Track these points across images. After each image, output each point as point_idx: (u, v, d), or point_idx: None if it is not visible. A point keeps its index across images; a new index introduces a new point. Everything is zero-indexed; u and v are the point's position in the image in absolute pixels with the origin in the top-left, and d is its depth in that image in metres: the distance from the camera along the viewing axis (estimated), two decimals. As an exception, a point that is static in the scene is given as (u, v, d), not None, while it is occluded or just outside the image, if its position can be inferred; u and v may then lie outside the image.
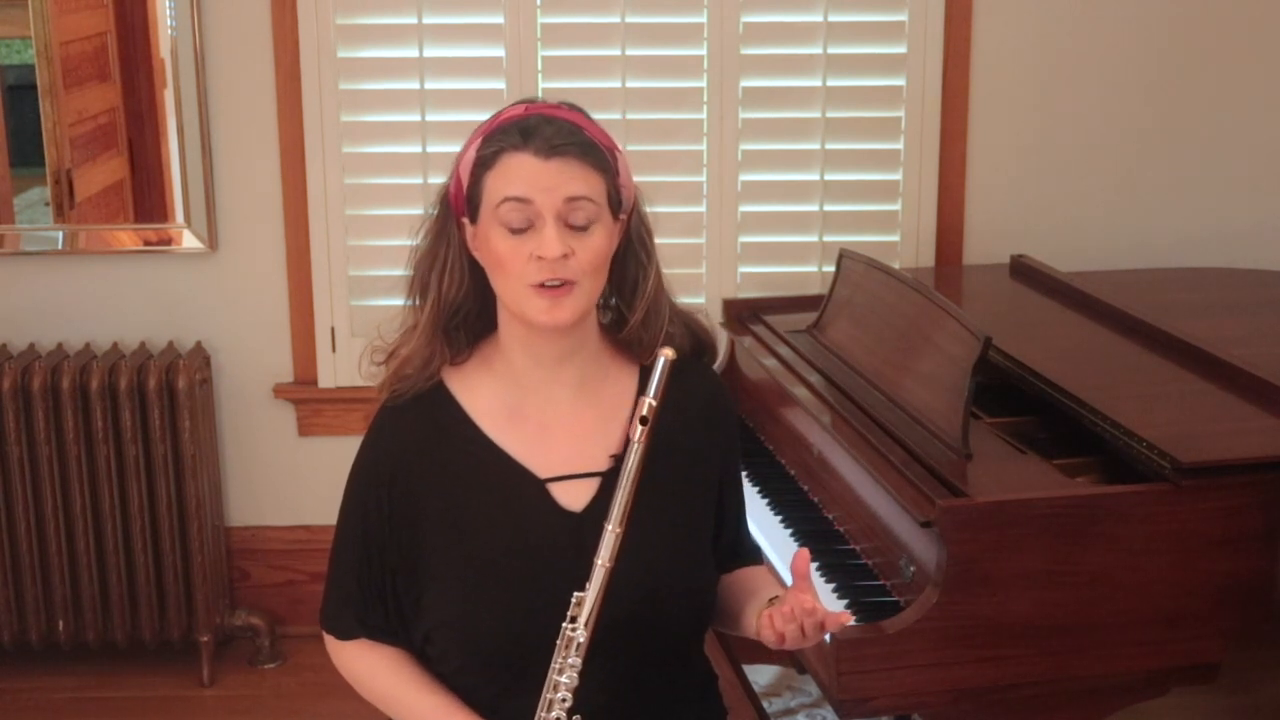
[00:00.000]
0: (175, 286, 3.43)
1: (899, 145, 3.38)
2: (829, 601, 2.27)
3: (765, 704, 3.13)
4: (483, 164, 1.71)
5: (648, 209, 1.82)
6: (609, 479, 1.73)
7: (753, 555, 1.95)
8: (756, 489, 2.67)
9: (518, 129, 1.70)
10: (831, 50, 3.32)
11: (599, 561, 1.65)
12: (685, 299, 1.90)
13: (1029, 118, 3.41)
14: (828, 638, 2.12)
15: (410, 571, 1.76)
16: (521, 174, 1.67)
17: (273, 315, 3.45)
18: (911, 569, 2.19)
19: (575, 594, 1.65)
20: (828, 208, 3.39)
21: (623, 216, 1.75)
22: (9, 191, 3.38)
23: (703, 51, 3.32)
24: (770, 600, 1.73)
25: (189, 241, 3.38)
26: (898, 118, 3.36)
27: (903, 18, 3.32)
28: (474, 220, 1.72)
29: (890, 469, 2.30)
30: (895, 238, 3.42)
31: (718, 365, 2.40)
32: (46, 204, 3.37)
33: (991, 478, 2.21)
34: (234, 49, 3.32)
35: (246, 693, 3.40)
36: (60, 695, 3.37)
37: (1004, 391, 2.56)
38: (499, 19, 3.29)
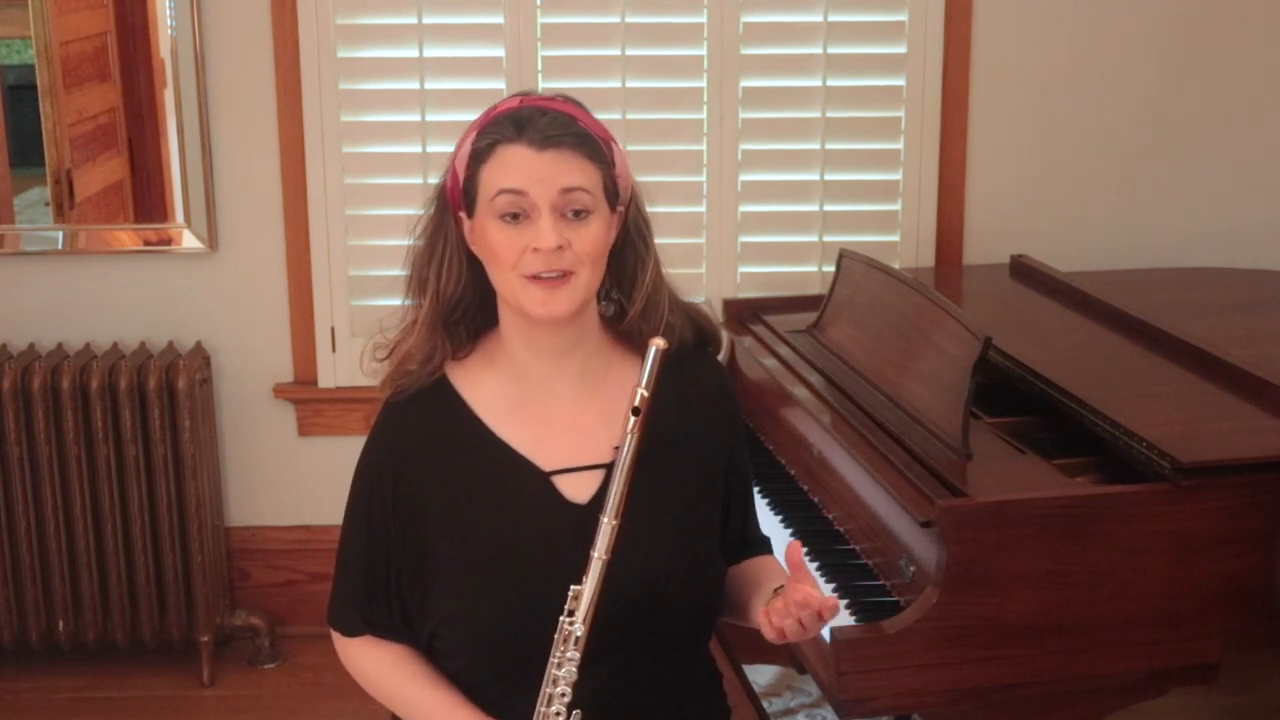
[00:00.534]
0: (175, 286, 3.43)
1: (899, 145, 3.38)
2: (829, 601, 2.28)
3: (765, 704, 3.13)
4: (477, 157, 1.71)
5: (648, 209, 1.82)
6: (613, 471, 1.73)
7: (761, 546, 1.94)
8: (757, 489, 2.66)
9: (511, 121, 1.70)
10: (831, 50, 3.32)
11: (595, 554, 1.64)
12: (685, 299, 1.89)
13: (1029, 118, 3.41)
14: (827, 634, 2.13)
15: (416, 567, 1.76)
16: (516, 166, 1.68)
17: (273, 315, 3.45)
18: (911, 569, 2.19)
19: (573, 587, 1.65)
20: (828, 208, 3.39)
21: (620, 208, 1.75)
22: (9, 191, 3.38)
23: (703, 51, 3.32)
24: (775, 591, 1.73)
25: (189, 241, 3.38)
26: (898, 118, 3.37)
27: (903, 18, 3.32)
28: (470, 214, 1.73)
29: (890, 469, 2.30)
30: (895, 238, 3.42)
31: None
32: (46, 204, 3.37)
33: (991, 478, 2.21)
34: (234, 49, 3.32)
35: (246, 693, 3.40)
36: (60, 695, 3.37)
37: (1004, 391, 2.56)
38: (499, 19, 3.29)
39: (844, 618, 2.22)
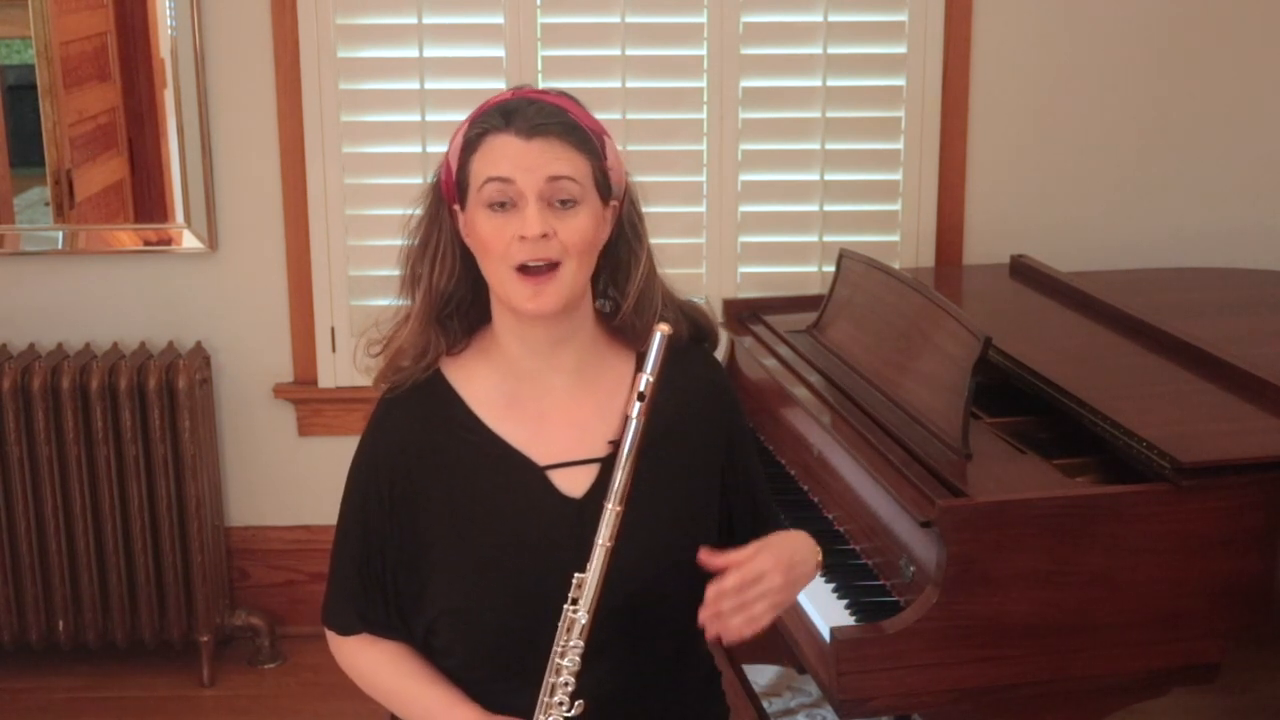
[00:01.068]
0: (175, 286, 3.43)
1: (899, 145, 3.38)
2: (829, 601, 2.28)
3: (765, 704, 3.13)
4: (468, 148, 1.72)
5: (647, 209, 1.82)
6: (608, 465, 1.73)
7: (776, 526, 1.90)
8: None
9: (500, 111, 1.71)
10: (831, 50, 3.32)
11: (599, 541, 1.64)
12: (681, 296, 1.89)
13: (1029, 118, 3.41)
14: (827, 634, 2.13)
15: (412, 563, 1.76)
16: (503, 154, 1.68)
17: (273, 315, 3.46)
18: (911, 569, 2.19)
19: (576, 575, 1.65)
20: (828, 208, 3.39)
21: (614, 202, 1.75)
22: (9, 191, 3.38)
23: (703, 51, 3.32)
24: None
25: (189, 241, 3.38)
26: (898, 118, 3.37)
27: (903, 18, 3.32)
28: (463, 205, 1.73)
29: (890, 469, 2.30)
30: (895, 238, 3.42)
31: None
32: (46, 204, 3.37)
33: (991, 478, 2.21)
34: (234, 49, 3.32)
35: (246, 693, 3.40)
36: (60, 695, 3.37)
37: (1004, 391, 2.56)
38: (499, 19, 3.29)
39: (844, 618, 2.22)
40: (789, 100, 3.35)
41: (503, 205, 1.68)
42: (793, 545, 1.78)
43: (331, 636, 1.86)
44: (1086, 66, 3.40)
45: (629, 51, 3.31)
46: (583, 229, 1.69)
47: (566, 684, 1.65)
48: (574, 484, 1.75)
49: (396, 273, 1.83)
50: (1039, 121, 3.42)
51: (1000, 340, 2.47)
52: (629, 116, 3.32)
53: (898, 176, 3.40)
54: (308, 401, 3.48)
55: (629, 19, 3.30)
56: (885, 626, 2.10)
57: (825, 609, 2.25)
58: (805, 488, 2.66)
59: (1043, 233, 3.41)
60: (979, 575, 2.09)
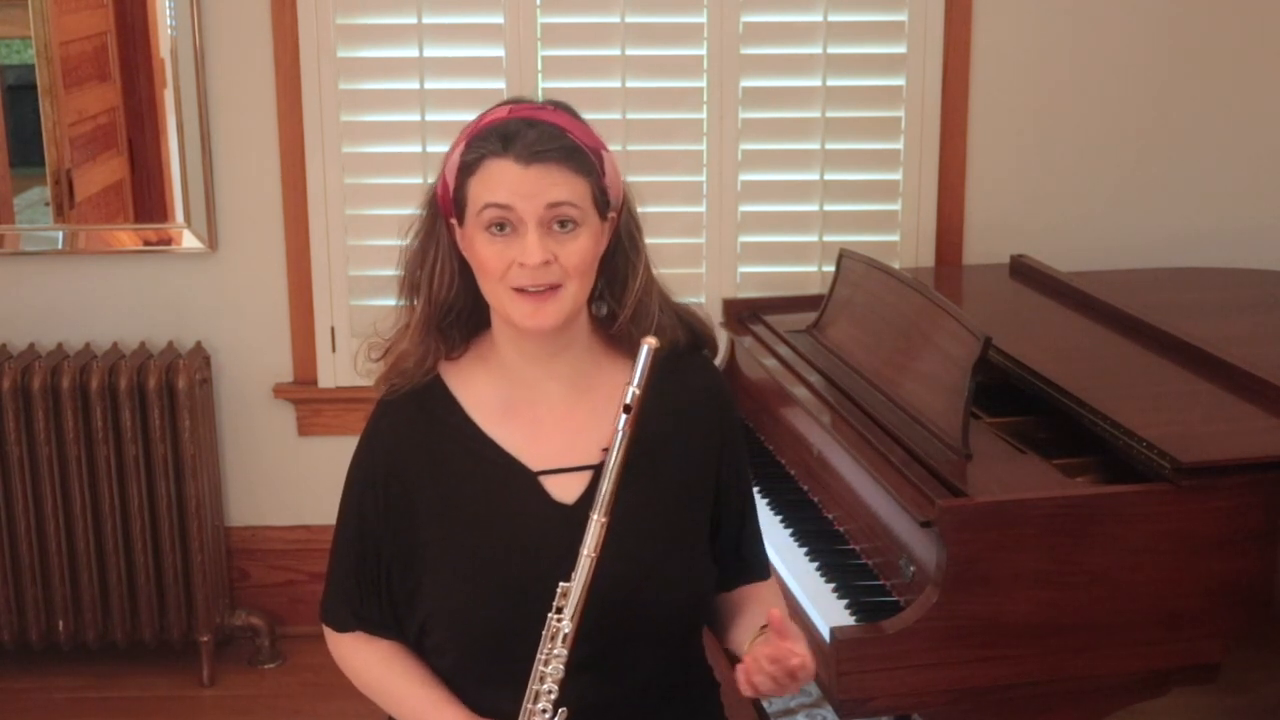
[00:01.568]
0: (175, 286, 3.43)
1: (899, 145, 3.38)
2: (829, 602, 2.28)
3: (765, 704, 3.13)
4: (466, 169, 1.71)
5: (647, 209, 1.82)
6: (600, 472, 1.73)
7: (756, 571, 1.91)
8: (757, 489, 2.67)
9: (498, 135, 1.69)
10: (831, 50, 3.32)
11: (584, 551, 1.65)
12: (685, 299, 1.89)
13: (1029, 118, 3.41)
14: (827, 634, 2.13)
15: (406, 564, 1.77)
16: (502, 181, 1.67)
17: (273, 315, 3.45)
18: (911, 569, 2.19)
19: (561, 584, 1.65)
20: (828, 208, 3.39)
21: (611, 215, 1.75)
22: (9, 191, 3.38)
23: (703, 51, 3.32)
24: (761, 629, 1.73)
25: (189, 241, 3.38)
26: (898, 118, 3.36)
27: (903, 18, 3.32)
28: (461, 222, 1.73)
29: (890, 469, 2.30)
30: (895, 238, 3.42)
31: (718, 364, 2.39)
32: (46, 204, 3.37)
33: (991, 478, 2.21)
34: (234, 49, 3.32)
35: (246, 693, 3.40)
36: (60, 695, 3.37)
37: (1004, 391, 2.56)
38: (499, 19, 3.29)
39: (844, 617, 2.22)
40: (789, 100, 3.35)
41: (501, 228, 1.68)
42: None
43: (328, 632, 1.87)
44: (1086, 66, 3.40)
45: (629, 51, 3.31)
46: (582, 251, 1.69)
47: (550, 692, 1.66)
48: (566, 490, 1.76)
49: (396, 273, 1.83)
50: (1039, 121, 3.42)
51: (1000, 340, 2.47)
52: (629, 116, 3.32)
53: (898, 176, 3.40)
54: (308, 401, 3.48)
55: (629, 19, 3.30)
56: (885, 626, 2.10)
57: (825, 609, 2.25)
58: (805, 488, 2.66)
59: (1043, 233, 3.41)
60: (979, 575, 2.09)
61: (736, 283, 3.41)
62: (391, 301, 1.84)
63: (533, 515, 1.75)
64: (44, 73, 3.28)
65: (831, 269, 2.97)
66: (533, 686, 1.67)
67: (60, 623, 3.36)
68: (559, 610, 1.65)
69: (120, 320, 3.42)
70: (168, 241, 3.39)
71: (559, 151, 1.68)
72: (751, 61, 3.33)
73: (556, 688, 1.66)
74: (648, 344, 1.66)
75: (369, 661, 1.83)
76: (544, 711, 1.66)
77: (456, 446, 1.77)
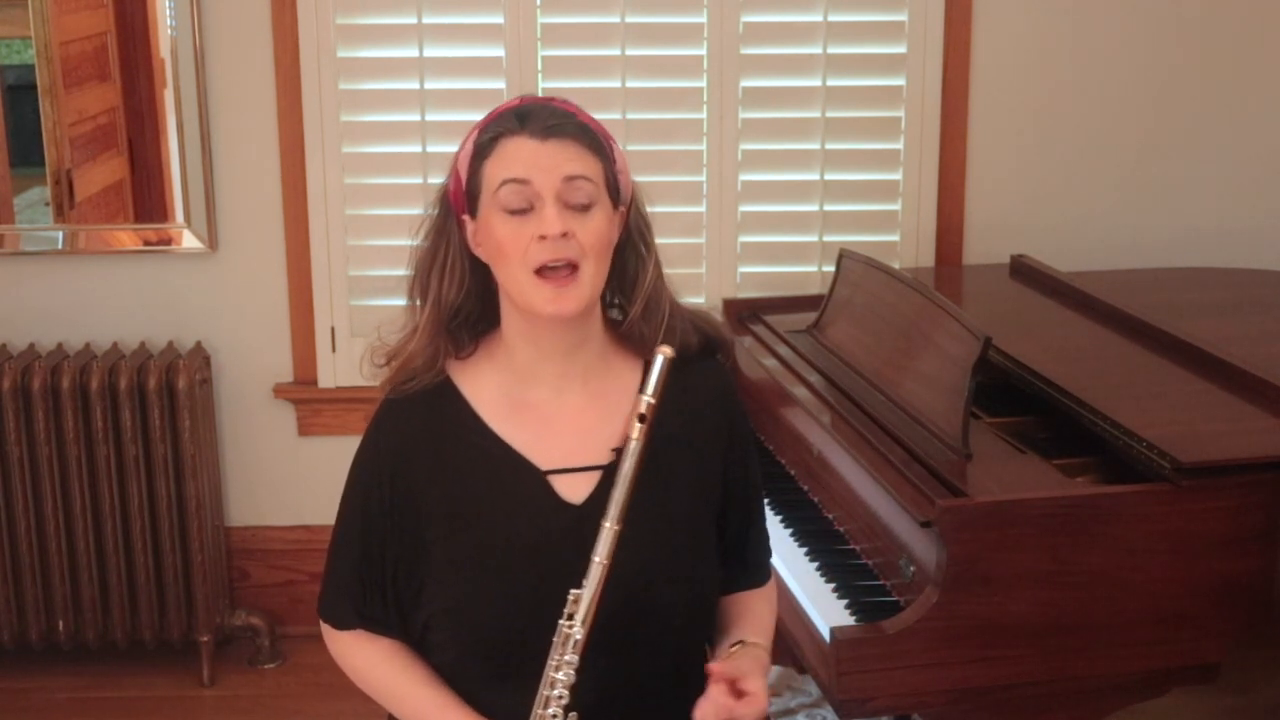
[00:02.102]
0: (175, 286, 3.43)
1: (899, 145, 3.38)
2: (829, 602, 2.28)
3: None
4: (480, 153, 1.71)
5: (648, 209, 1.82)
6: (610, 472, 1.73)
7: (755, 575, 1.91)
8: (756, 489, 2.68)
9: (513, 114, 1.72)
10: (831, 50, 3.32)
11: (596, 559, 1.65)
12: (685, 299, 1.89)
13: (1029, 118, 3.41)
14: (826, 634, 2.13)
15: (411, 562, 1.76)
16: (519, 156, 1.68)
17: (273, 315, 3.46)
18: (911, 569, 2.19)
19: (572, 591, 1.65)
20: (828, 208, 3.39)
21: (622, 208, 1.75)
22: (9, 191, 3.38)
23: (703, 51, 3.32)
24: (733, 646, 1.78)
25: (189, 241, 3.38)
26: (898, 118, 3.37)
27: (903, 18, 3.32)
28: (474, 214, 1.73)
29: (890, 469, 2.30)
30: (895, 238, 3.42)
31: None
32: (46, 204, 3.37)
33: (991, 478, 2.21)
34: (234, 49, 3.32)
35: (246, 693, 3.40)
36: (60, 695, 3.37)
37: (1004, 391, 2.56)
38: (499, 19, 3.29)
39: (844, 617, 2.22)
40: (789, 100, 3.35)
41: (520, 210, 1.68)
42: (765, 657, 1.82)
43: (327, 630, 1.86)
44: (1086, 66, 3.40)
45: (629, 51, 3.31)
46: (599, 229, 1.70)
47: (560, 697, 1.66)
48: (575, 490, 1.75)
49: (397, 273, 1.82)
50: (1039, 121, 3.42)
51: (1000, 340, 2.47)
52: (629, 116, 3.32)
53: (898, 176, 3.40)
54: (308, 401, 3.48)
55: (629, 19, 3.30)
56: (885, 626, 2.10)
57: (825, 609, 2.25)
58: (805, 488, 2.66)
59: (1043, 233, 3.41)
60: (979, 575, 2.09)
61: (736, 283, 3.41)
62: (392, 301, 1.84)
63: (541, 514, 1.74)
64: (44, 73, 3.28)
65: (831, 269, 2.97)
66: (543, 692, 1.67)
67: (60, 623, 3.36)
68: (570, 617, 1.65)
69: (120, 320, 3.42)
70: (168, 241, 3.40)
71: (575, 127, 1.70)
72: (751, 61, 3.33)
73: (566, 692, 1.66)
74: (663, 353, 1.67)
75: (371, 660, 1.82)
76: (554, 716, 1.66)
77: (465, 444, 1.76)
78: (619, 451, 1.73)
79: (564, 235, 1.66)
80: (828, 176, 3.38)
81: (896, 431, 2.41)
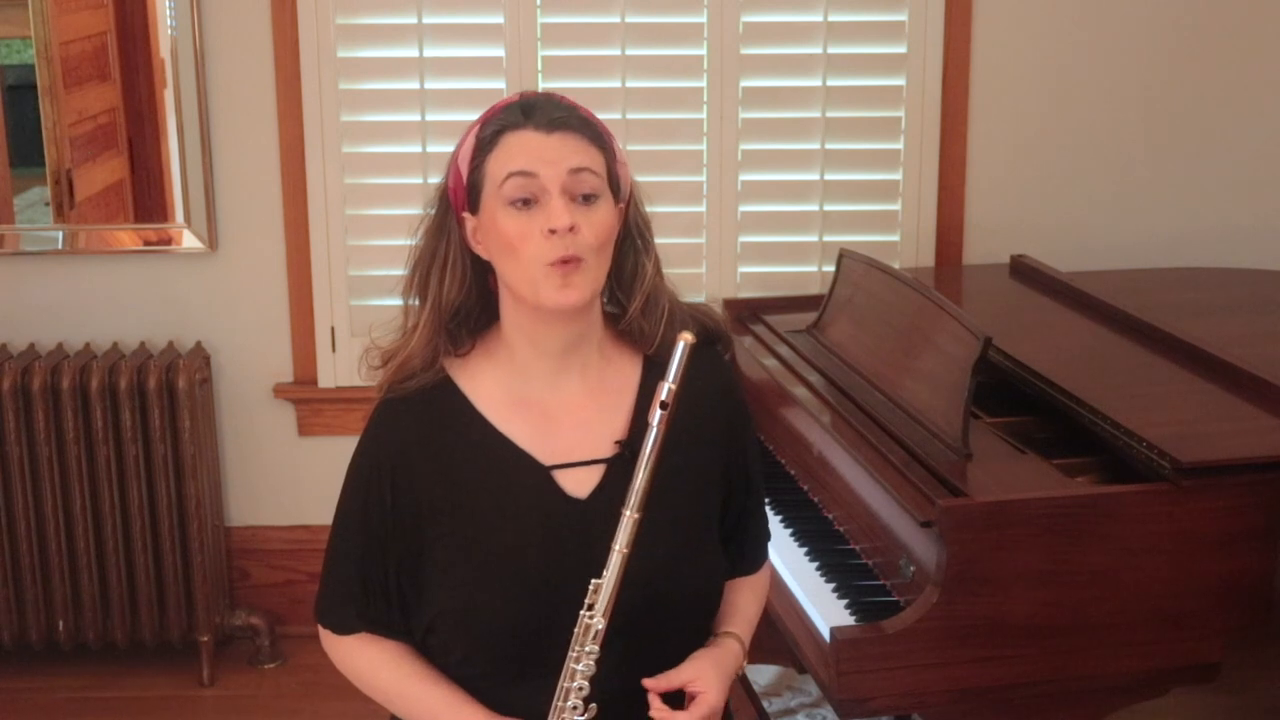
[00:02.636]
0: (175, 286, 3.43)
1: (899, 145, 3.38)
2: (829, 601, 2.28)
3: (765, 704, 3.13)
4: (483, 148, 1.71)
5: (648, 209, 1.82)
6: (613, 466, 1.74)
7: (745, 563, 1.92)
8: (756, 489, 2.68)
9: (517, 108, 1.72)
10: (831, 50, 3.32)
11: (616, 547, 1.65)
12: (685, 299, 1.89)
13: (1029, 117, 3.41)
14: (826, 633, 2.13)
15: (414, 562, 1.76)
16: (524, 149, 1.68)
17: (273, 315, 3.46)
18: (911, 569, 2.19)
19: (593, 581, 1.65)
20: (828, 208, 3.39)
21: (622, 203, 1.76)
22: (9, 191, 3.38)
23: (703, 51, 3.32)
24: (710, 640, 1.80)
25: (189, 241, 3.38)
26: (898, 118, 3.37)
27: (903, 18, 3.32)
28: (475, 210, 1.72)
29: (890, 469, 2.30)
30: (895, 237, 3.42)
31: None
32: (46, 204, 3.37)
33: (991, 478, 2.21)
34: (234, 49, 3.32)
35: (246, 693, 3.40)
36: (60, 695, 3.37)
37: (1004, 391, 2.56)
38: (499, 19, 3.29)
39: (844, 617, 2.22)
40: (789, 100, 3.35)
41: (525, 203, 1.68)
42: (730, 658, 1.82)
43: (326, 635, 1.85)
44: (1086, 66, 3.40)
45: (629, 51, 3.31)
46: (604, 222, 1.70)
47: (581, 688, 1.66)
48: (579, 484, 1.75)
49: (397, 273, 1.82)
50: (1039, 121, 3.42)
51: (1000, 340, 2.47)
52: (629, 116, 3.32)
53: (898, 176, 3.40)
54: (308, 401, 3.48)
55: (629, 19, 3.30)
56: (885, 626, 2.10)
57: (825, 609, 2.25)
58: (805, 488, 2.66)
59: (1043, 233, 3.41)
60: (979, 575, 2.09)
61: (736, 283, 3.41)
62: (392, 301, 1.84)
63: (546, 510, 1.74)
64: (44, 73, 3.28)
65: (831, 269, 2.97)
66: (563, 684, 1.67)
67: (60, 623, 3.36)
68: (590, 607, 1.65)
69: (120, 320, 3.42)
70: (168, 241, 3.40)
71: (578, 120, 1.71)
72: (751, 61, 3.33)
73: (587, 684, 1.66)
74: (684, 340, 1.67)
75: (376, 664, 1.81)
76: (575, 708, 1.66)
77: (466, 443, 1.76)
78: (622, 443, 1.73)
79: (571, 229, 1.66)
80: (828, 176, 3.38)
81: (896, 431, 2.41)
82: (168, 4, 3.25)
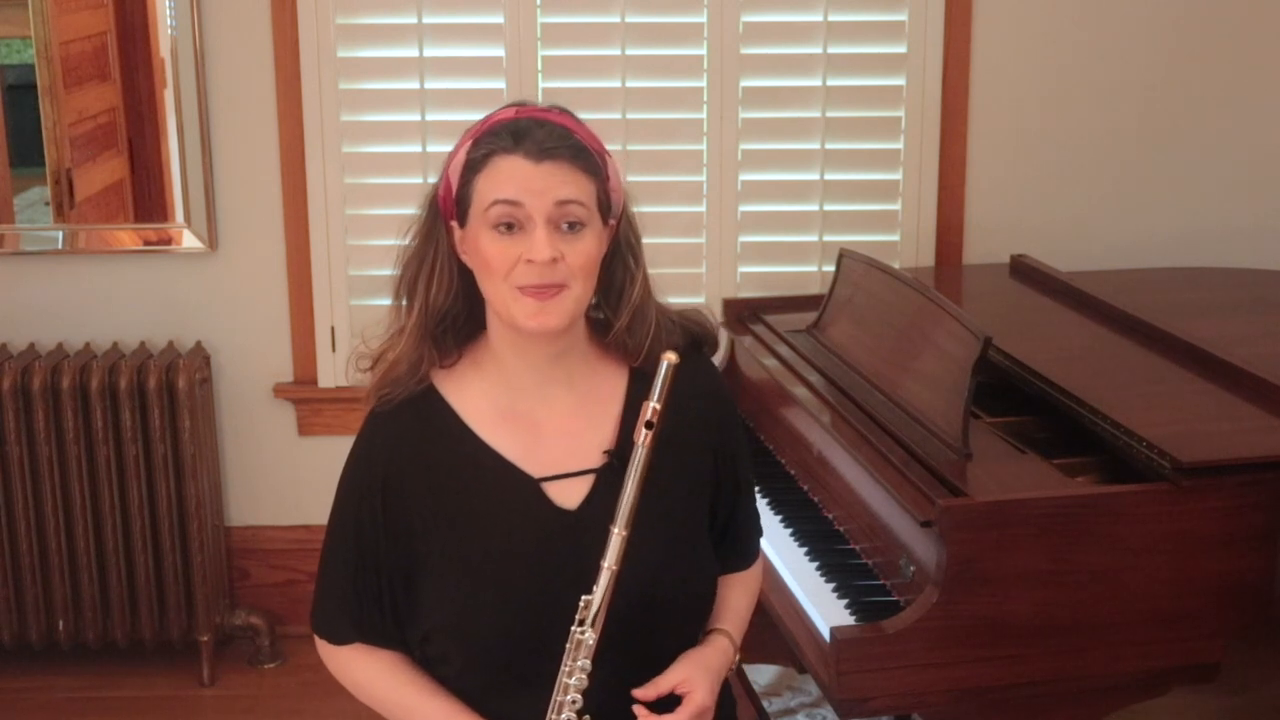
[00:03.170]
0: (175, 286, 3.43)
1: (899, 145, 3.38)
2: (829, 601, 2.28)
3: (765, 704, 3.13)
4: (472, 167, 1.70)
5: (647, 209, 1.82)
6: (602, 476, 1.74)
7: (735, 560, 1.92)
8: (757, 489, 2.67)
9: (509, 131, 1.69)
10: (831, 50, 3.32)
11: (605, 564, 1.65)
12: (685, 299, 1.89)
13: (1029, 117, 3.41)
14: (826, 633, 2.13)
15: (406, 575, 1.76)
16: (512, 177, 1.67)
17: (273, 315, 3.45)
18: (911, 569, 2.19)
19: (584, 598, 1.66)
20: (828, 207, 3.39)
21: (612, 221, 1.75)
22: (9, 191, 3.38)
23: (703, 51, 3.32)
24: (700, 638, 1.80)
25: (189, 241, 3.38)
26: (898, 117, 3.37)
27: (903, 18, 3.32)
28: (463, 224, 1.72)
29: (890, 469, 2.30)
30: (895, 237, 3.42)
31: (718, 364, 2.39)
32: (46, 204, 3.37)
33: (991, 478, 2.21)
34: (234, 49, 3.32)
35: (246, 693, 3.40)
36: (60, 695, 3.37)
37: (1004, 391, 2.56)
38: (499, 19, 3.29)
39: (844, 617, 2.22)
40: (789, 100, 3.35)
41: (509, 227, 1.67)
42: (719, 656, 1.82)
43: (323, 645, 1.85)
44: (1086, 67, 3.40)
45: (629, 51, 3.31)
46: (588, 252, 1.69)
47: (574, 702, 1.67)
48: (568, 495, 1.75)
49: (393, 274, 1.82)
50: (1039, 121, 3.42)
51: (1000, 340, 2.47)
52: (629, 116, 3.32)
53: (898, 176, 3.40)
54: (308, 401, 3.48)
55: (629, 19, 3.30)
56: (885, 626, 2.10)
57: (825, 609, 2.25)
58: (805, 488, 2.66)
59: (1043, 233, 3.41)
60: (979, 575, 2.09)
61: (736, 283, 3.41)
62: (391, 302, 1.83)
63: (536, 522, 1.74)
64: (44, 73, 3.28)
65: (831, 269, 2.97)
66: (556, 698, 1.67)
67: (60, 623, 3.36)
68: (580, 623, 1.66)
69: (120, 320, 3.42)
70: (168, 241, 3.40)
71: (569, 150, 1.69)
72: (751, 61, 3.33)
73: (580, 698, 1.67)
74: (667, 360, 1.67)
75: (372, 674, 1.81)
76: None
77: (455, 455, 1.76)
78: (610, 453, 1.73)
79: (553, 261, 1.66)
80: (828, 176, 3.38)
81: (896, 431, 2.41)
82: (168, 4, 3.25)
